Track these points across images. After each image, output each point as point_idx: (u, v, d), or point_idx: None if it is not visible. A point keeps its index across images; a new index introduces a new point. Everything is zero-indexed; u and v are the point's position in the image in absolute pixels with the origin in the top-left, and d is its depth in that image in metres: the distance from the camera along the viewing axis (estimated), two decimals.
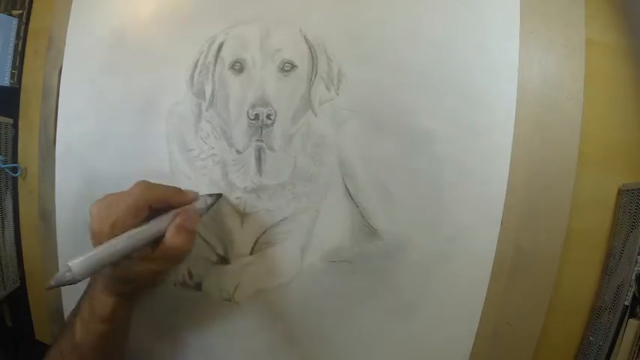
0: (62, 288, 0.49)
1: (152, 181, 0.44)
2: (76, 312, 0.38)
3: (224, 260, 0.43)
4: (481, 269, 0.39)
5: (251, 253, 0.42)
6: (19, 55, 0.52)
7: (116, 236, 0.32)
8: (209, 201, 0.40)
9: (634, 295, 0.36)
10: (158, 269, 0.34)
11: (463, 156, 0.39)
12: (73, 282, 0.29)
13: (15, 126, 0.52)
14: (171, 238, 0.33)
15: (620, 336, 0.36)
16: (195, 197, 0.38)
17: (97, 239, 0.32)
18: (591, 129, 0.38)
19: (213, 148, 0.43)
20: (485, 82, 0.39)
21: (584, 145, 0.38)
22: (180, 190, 0.37)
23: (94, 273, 0.31)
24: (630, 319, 0.36)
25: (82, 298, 0.38)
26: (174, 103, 0.44)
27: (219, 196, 0.41)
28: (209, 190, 0.42)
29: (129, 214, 0.33)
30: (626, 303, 0.36)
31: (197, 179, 0.43)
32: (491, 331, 0.39)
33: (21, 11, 0.53)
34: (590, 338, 0.39)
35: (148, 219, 0.34)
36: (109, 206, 0.33)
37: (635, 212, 0.37)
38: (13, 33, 0.52)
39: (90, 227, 0.33)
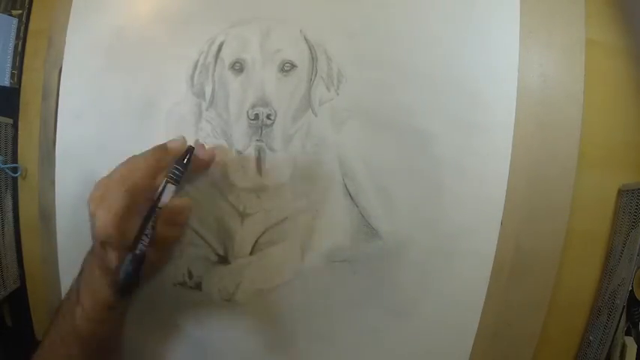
0: (61, 288, 0.50)
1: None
2: (72, 297, 0.38)
3: (224, 260, 0.43)
4: (481, 269, 0.39)
5: (251, 253, 0.42)
6: (19, 55, 0.52)
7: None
8: (181, 167, 0.38)
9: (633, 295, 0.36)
10: (152, 260, 0.36)
11: (463, 156, 0.39)
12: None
13: (15, 126, 0.52)
14: (163, 233, 0.35)
15: (619, 336, 0.36)
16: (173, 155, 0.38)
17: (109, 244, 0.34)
18: (591, 129, 0.38)
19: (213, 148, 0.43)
20: (485, 82, 0.39)
21: (584, 146, 0.38)
22: (157, 167, 0.37)
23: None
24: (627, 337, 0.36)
25: (76, 283, 0.38)
26: (174, 103, 0.44)
27: (189, 149, 0.39)
28: (209, 191, 0.42)
29: (146, 179, 0.35)
30: (625, 303, 0.36)
31: (197, 179, 0.43)
32: (491, 331, 0.39)
33: (21, 11, 0.53)
34: (590, 338, 0.39)
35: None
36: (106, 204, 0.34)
37: (635, 212, 0.37)
38: (13, 33, 0.52)
39: (95, 233, 0.34)
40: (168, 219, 0.36)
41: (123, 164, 0.35)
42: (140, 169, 0.35)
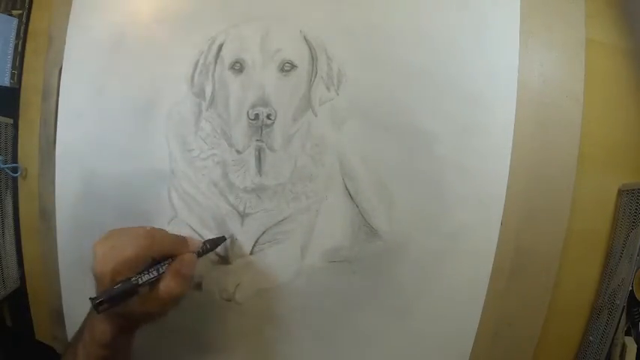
0: (61, 288, 0.50)
1: (152, 180, 0.44)
2: (78, 335, 0.38)
3: (224, 260, 0.43)
4: (481, 269, 0.39)
5: (251, 253, 0.42)
6: (19, 55, 0.52)
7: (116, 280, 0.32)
8: (209, 245, 0.39)
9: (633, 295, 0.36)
10: (154, 310, 0.35)
11: (463, 156, 0.39)
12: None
13: (15, 126, 0.52)
14: (168, 282, 0.34)
15: (619, 336, 0.36)
16: (198, 246, 0.38)
17: (99, 281, 0.33)
18: (591, 129, 0.38)
19: (213, 148, 0.43)
20: (485, 82, 0.39)
21: (585, 146, 0.38)
22: (184, 241, 0.37)
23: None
24: (627, 337, 0.36)
25: (84, 322, 0.38)
26: (174, 103, 0.44)
27: (221, 239, 0.40)
28: (209, 191, 0.42)
29: (129, 265, 0.33)
30: (625, 303, 0.36)
31: (197, 179, 0.43)
32: (491, 331, 0.39)
33: (21, 11, 0.53)
34: (590, 338, 0.39)
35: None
36: (112, 249, 0.33)
37: (635, 212, 0.37)
38: (13, 33, 0.52)
39: (92, 268, 0.33)
40: (175, 270, 0.35)
41: (145, 229, 0.35)
42: (158, 244, 0.35)
